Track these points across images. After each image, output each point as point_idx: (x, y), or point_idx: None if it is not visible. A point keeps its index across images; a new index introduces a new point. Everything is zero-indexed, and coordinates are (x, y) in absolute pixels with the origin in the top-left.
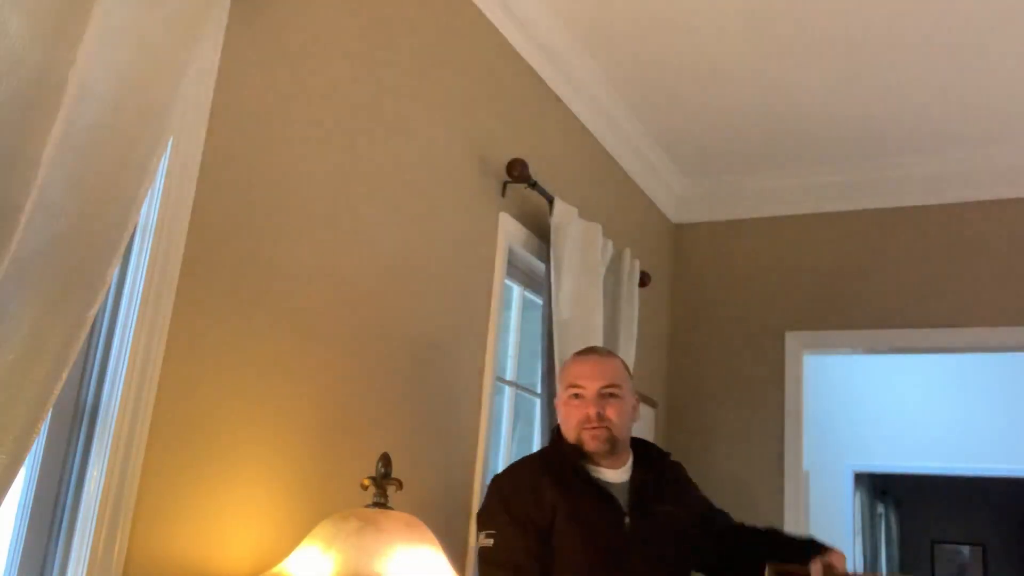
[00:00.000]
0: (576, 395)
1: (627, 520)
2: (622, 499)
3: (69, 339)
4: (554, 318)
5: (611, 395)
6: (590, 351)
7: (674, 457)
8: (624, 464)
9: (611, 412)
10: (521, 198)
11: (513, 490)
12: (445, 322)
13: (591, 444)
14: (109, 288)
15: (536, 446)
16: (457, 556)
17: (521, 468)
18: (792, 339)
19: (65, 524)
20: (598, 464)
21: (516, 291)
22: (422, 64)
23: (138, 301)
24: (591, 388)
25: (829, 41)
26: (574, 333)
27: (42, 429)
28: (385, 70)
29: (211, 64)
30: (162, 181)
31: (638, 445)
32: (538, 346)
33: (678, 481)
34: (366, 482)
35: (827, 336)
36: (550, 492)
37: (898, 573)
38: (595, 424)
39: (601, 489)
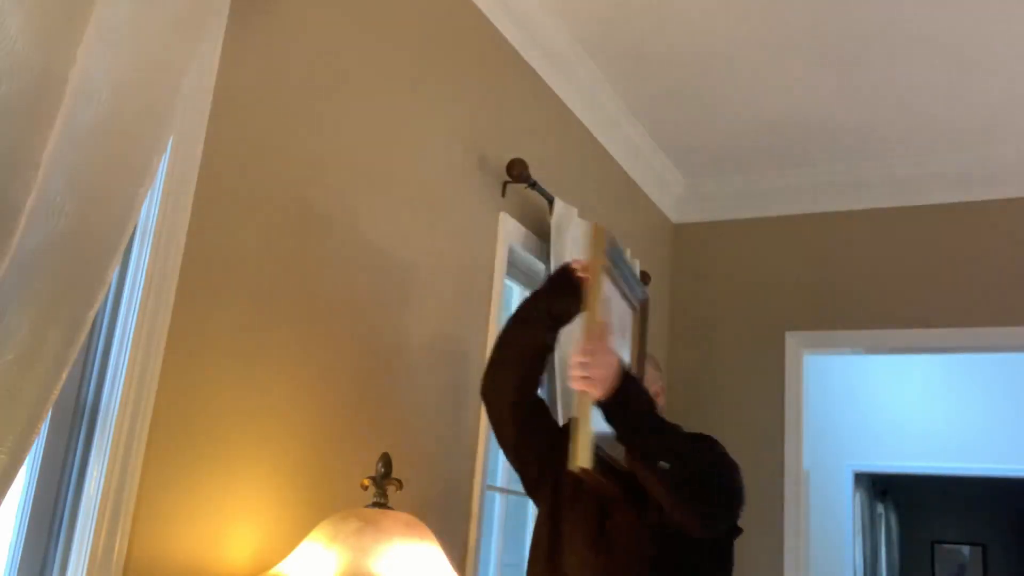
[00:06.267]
0: None
1: None
2: None
3: (69, 339)
4: None
5: None
6: None
7: None
8: None
9: None
10: (521, 198)
11: None
12: (445, 322)
13: None
14: (109, 288)
15: None
16: (457, 556)
17: None
18: (792, 339)
19: (65, 524)
20: None
21: (516, 291)
22: (422, 64)
23: (138, 301)
24: None
25: (829, 41)
26: (574, 334)
27: (42, 429)
28: (385, 70)
29: (211, 64)
30: (162, 181)
31: None
32: None
33: None
34: (366, 482)
35: (827, 336)
36: None
37: None
38: None
39: None
